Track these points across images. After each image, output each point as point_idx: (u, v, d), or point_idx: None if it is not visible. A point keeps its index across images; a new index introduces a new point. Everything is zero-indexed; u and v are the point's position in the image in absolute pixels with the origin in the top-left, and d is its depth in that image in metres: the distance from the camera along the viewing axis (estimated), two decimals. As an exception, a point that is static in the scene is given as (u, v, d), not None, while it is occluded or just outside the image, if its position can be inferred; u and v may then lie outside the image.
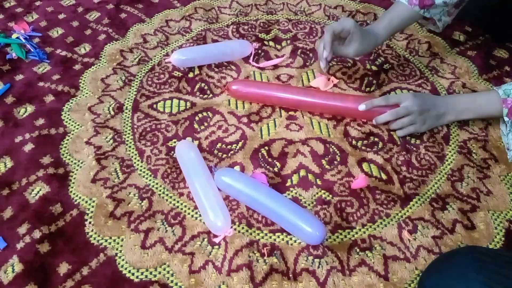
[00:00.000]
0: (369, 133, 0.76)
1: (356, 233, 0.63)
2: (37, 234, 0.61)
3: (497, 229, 0.64)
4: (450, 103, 0.75)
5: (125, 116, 0.79)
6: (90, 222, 0.63)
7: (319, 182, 0.69)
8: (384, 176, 0.70)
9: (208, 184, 0.65)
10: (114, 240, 0.61)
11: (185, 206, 0.65)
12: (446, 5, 0.77)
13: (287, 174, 0.70)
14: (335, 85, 0.84)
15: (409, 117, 0.72)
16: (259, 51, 0.92)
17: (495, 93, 0.71)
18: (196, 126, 0.77)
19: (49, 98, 0.81)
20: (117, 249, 0.60)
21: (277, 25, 0.99)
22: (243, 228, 0.63)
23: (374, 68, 0.89)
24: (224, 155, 0.72)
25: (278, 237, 0.62)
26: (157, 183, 0.68)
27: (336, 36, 0.76)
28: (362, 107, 0.73)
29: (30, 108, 0.79)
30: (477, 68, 0.90)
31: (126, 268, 0.58)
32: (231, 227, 0.62)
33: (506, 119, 0.70)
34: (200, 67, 0.88)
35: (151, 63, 0.89)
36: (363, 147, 0.74)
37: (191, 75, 0.87)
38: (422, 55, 0.93)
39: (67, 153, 0.72)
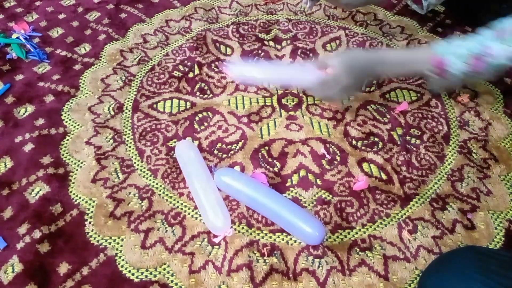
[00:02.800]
0: (369, 133, 0.76)
1: (356, 233, 0.63)
2: (37, 234, 0.61)
3: (497, 229, 0.64)
4: (380, 58, 0.71)
5: (125, 116, 0.79)
6: (90, 222, 0.63)
7: (319, 182, 0.69)
8: (384, 176, 0.70)
9: (208, 184, 0.64)
10: (114, 240, 0.61)
11: (185, 206, 0.65)
12: None
13: (287, 174, 0.70)
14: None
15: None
16: (259, 51, 0.92)
17: (427, 48, 0.69)
18: (196, 126, 0.77)
19: (49, 98, 0.81)
20: (117, 249, 0.60)
21: (277, 25, 0.99)
22: (243, 228, 0.63)
23: (374, 68, 0.89)
24: (224, 155, 0.72)
25: (278, 237, 0.62)
26: (157, 183, 0.68)
27: None
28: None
29: (30, 108, 0.79)
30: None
31: (126, 268, 0.58)
32: (231, 227, 0.62)
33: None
34: (200, 67, 0.88)
35: (151, 63, 0.89)
36: (363, 147, 0.74)
37: (191, 75, 0.87)
38: (422, 55, 0.93)
39: (67, 153, 0.72)
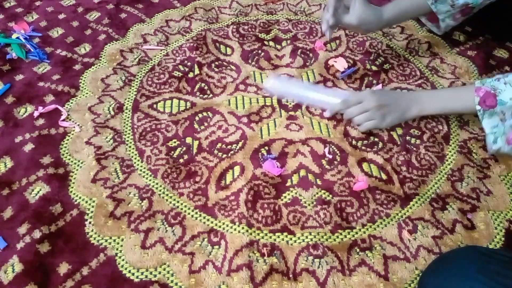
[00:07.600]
0: (369, 133, 0.76)
1: (356, 233, 0.63)
2: (37, 234, 0.61)
3: (497, 229, 0.64)
4: (413, 97, 0.75)
5: (125, 116, 0.79)
6: (90, 222, 0.63)
7: (319, 182, 0.69)
8: (384, 176, 0.70)
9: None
10: (114, 240, 0.61)
11: (185, 206, 0.65)
12: (453, 3, 0.78)
13: (287, 174, 0.70)
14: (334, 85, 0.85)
15: (367, 114, 0.73)
16: (259, 51, 0.92)
17: (469, 86, 0.70)
18: (196, 126, 0.77)
19: (49, 98, 0.81)
20: (117, 249, 0.60)
21: (277, 25, 0.99)
22: (243, 228, 0.63)
23: (374, 68, 0.89)
24: (224, 155, 0.72)
25: (278, 237, 0.62)
26: (157, 183, 0.68)
27: (340, 1, 0.76)
28: (326, 114, 0.77)
29: (30, 108, 0.79)
30: (477, 68, 0.90)
31: (126, 268, 0.58)
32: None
33: (478, 107, 0.68)
34: (200, 67, 0.88)
35: (151, 63, 0.89)
36: (363, 147, 0.74)
37: (191, 75, 0.87)
38: (422, 55, 0.93)
39: (67, 153, 0.72)
